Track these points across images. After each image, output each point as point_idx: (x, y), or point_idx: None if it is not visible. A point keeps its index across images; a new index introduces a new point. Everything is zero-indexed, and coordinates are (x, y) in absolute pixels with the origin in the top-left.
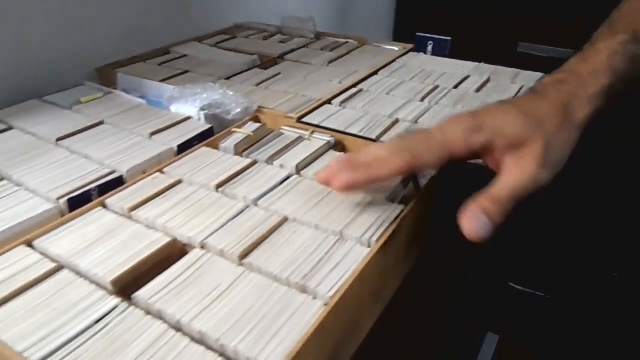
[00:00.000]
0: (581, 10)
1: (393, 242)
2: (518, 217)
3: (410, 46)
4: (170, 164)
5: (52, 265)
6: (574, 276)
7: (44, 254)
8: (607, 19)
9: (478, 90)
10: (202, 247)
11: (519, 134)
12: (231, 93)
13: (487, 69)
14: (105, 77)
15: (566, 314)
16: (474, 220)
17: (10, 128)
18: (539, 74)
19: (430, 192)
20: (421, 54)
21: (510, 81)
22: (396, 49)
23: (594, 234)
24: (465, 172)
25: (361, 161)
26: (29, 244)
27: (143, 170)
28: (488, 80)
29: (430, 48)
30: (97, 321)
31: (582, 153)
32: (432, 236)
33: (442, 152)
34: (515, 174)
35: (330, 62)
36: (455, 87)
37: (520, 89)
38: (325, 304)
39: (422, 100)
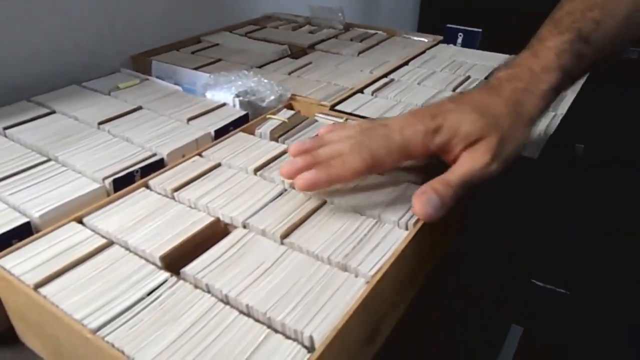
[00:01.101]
0: None
1: (429, 226)
2: (541, 216)
3: (440, 37)
4: (209, 148)
5: (103, 241)
6: (595, 274)
7: (94, 231)
8: (550, 16)
9: None
10: (244, 226)
11: (475, 132)
12: (265, 81)
13: None
14: (140, 64)
15: (587, 309)
16: (425, 199)
17: (53, 112)
18: None
19: None
20: (451, 45)
21: None
22: (425, 40)
23: (613, 231)
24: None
25: (323, 157)
26: (80, 221)
27: (182, 154)
28: None
29: (460, 40)
30: (149, 293)
31: (607, 154)
32: (462, 226)
33: (401, 154)
34: (467, 163)
35: (360, 52)
36: (486, 77)
37: None
38: (367, 282)
39: (454, 90)
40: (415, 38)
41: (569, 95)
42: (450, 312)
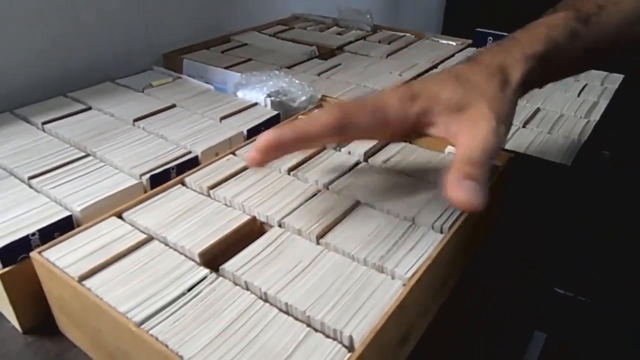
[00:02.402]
0: None
1: (464, 231)
2: (565, 223)
3: (469, 41)
4: (242, 147)
5: (143, 236)
6: (618, 282)
7: (134, 226)
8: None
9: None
10: (280, 225)
11: (455, 99)
12: (297, 81)
13: None
14: (171, 62)
15: (610, 317)
16: (462, 188)
17: (89, 108)
18: (603, 73)
19: (497, 187)
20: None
21: (572, 78)
22: (454, 43)
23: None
24: (532, 172)
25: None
26: (119, 216)
27: (216, 152)
28: None
29: (489, 44)
30: (190, 289)
31: (635, 161)
32: (490, 231)
33: (375, 112)
34: (475, 134)
35: (389, 54)
36: None
37: (584, 86)
38: (404, 285)
39: None
40: (444, 41)
41: (602, 102)
42: (474, 317)
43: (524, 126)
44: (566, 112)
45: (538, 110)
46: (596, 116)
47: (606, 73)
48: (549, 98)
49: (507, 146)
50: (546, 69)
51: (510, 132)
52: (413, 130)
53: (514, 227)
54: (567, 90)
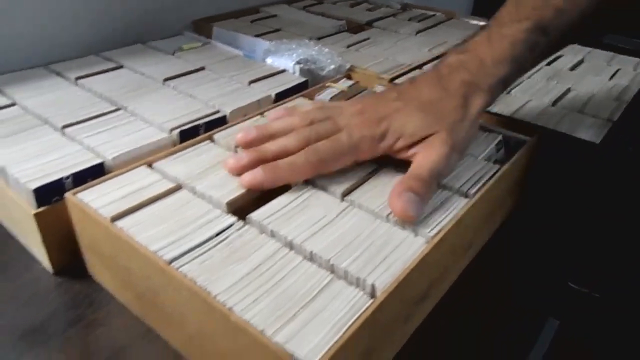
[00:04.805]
0: None
1: (488, 198)
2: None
3: None
4: (270, 109)
5: (172, 184)
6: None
7: (163, 175)
8: None
9: (572, 68)
10: (305, 182)
11: (419, 132)
12: (326, 50)
13: (580, 50)
14: (201, 29)
15: (625, 311)
16: (405, 200)
17: (121, 66)
18: (636, 59)
19: (524, 162)
20: None
21: (605, 63)
22: (483, 23)
23: None
24: (560, 150)
25: (269, 155)
26: (149, 165)
27: (244, 113)
28: (582, 61)
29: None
30: (218, 234)
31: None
32: (515, 201)
33: (349, 159)
34: (428, 155)
35: (419, 32)
36: (549, 64)
37: (616, 72)
38: (427, 242)
39: None
40: (474, 22)
41: (634, 87)
42: (488, 297)
43: (553, 105)
44: (597, 94)
45: (569, 90)
46: (627, 98)
47: (638, 60)
48: (579, 80)
49: (538, 122)
50: (506, 87)
51: (539, 110)
52: (382, 157)
53: (538, 206)
54: (599, 74)
